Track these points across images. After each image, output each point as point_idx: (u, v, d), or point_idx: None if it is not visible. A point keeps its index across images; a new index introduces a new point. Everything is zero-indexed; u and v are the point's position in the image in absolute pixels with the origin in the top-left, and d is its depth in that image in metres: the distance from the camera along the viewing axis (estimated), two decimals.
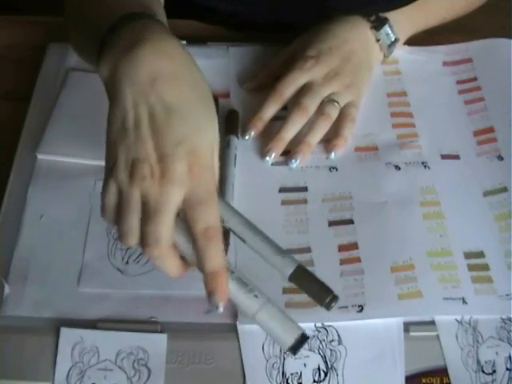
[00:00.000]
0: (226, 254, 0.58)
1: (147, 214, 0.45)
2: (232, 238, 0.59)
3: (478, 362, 0.53)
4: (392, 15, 0.70)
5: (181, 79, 0.47)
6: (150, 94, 0.46)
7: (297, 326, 0.45)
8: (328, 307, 0.48)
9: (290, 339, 0.45)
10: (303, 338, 0.45)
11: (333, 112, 0.65)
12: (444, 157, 0.65)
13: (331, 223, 0.61)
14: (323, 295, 0.48)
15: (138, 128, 0.45)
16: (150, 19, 0.50)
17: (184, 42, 0.73)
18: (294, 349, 0.45)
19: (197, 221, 0.45)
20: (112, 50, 0.48)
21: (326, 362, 0.53)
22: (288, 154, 0.64)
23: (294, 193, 0.63)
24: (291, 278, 0.48)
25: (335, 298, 0.48)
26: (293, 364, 0.53)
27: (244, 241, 0.49)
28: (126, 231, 0.46)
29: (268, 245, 0.49)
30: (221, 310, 0.46)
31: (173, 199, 0.45)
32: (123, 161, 0.45)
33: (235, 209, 0.50)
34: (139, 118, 0.45)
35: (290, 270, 0.48)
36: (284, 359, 0.53)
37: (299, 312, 0.55)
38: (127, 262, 0.58)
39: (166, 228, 0.45)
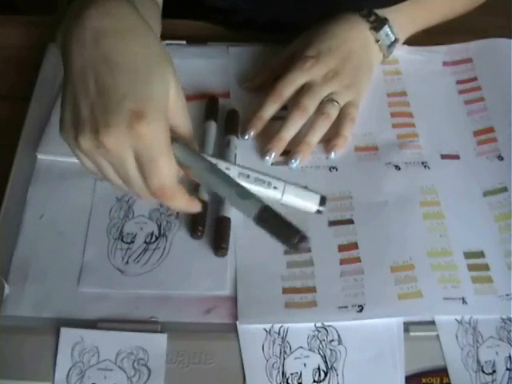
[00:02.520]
0: (226, 253, 0.58)
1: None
2: (232, 237, 0.59)
3: (478, 361, 0.53)
4: (392, 15, 0.70)
5: (126, 36, 0.47)
6: (95, 53, 0.46)
7: (314, 192, 0.50)
8: (296, 248, 0.46)
9: (314, 205, 0.50)
10: (322, 199, 0.50)
11: (332, 112, 0.65)
12: (444, 157, 0.65)
13: (331, 223, 0.61)
14: (291, 235, 0.46)
15: (86, 89, 0.45)
16: None
17: (184, 42, 0.74)
18: (320, 211, 0.50)
19: (149, 179, 0.46)
20: (64, 20, 0.48)
21: (326, 362, 0.53)
22: (288, 154, 0.64)
23: None
24: (256, 221, 0.46)
25: (304, 237, 0.46)
26: (293, 364, 0.53)
27: (209, 187, 0.50)
28: (119, 187, 0.49)
29: (232, 188, 0.47)
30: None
31: (123, 155, 0.45)
32: (71, 123, 0.46)
33: (200, 154, 0.49)
34: (86, 79, 0.45)
35: (253, 212, 0.46)
36: (284, 359, 0.53)
37: (299, 312, 0.55)
38: (127, 262, 0.58)
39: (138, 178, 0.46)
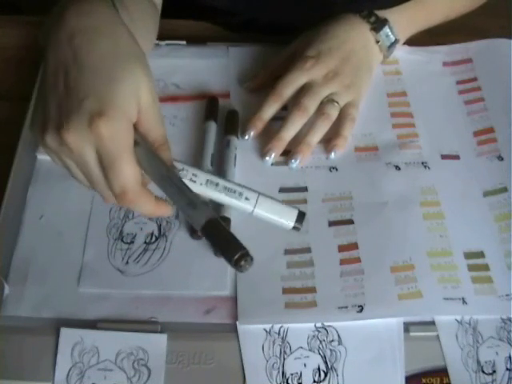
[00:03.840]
0: None
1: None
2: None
3: (478, 362, 0.53)
4: (392, 16, 0.70)
5: (98, 34, 0.47)
6: (67, 52, 0.46)
7: (291, 208, 0.48)
8: (237, 267, 0.43)
9: (290, 223, 0.48)
10: (301, 215, 0.48)
11: (333, 112, 0.65)
12: (444, 157, 0.65)
13: (331, 223, 0.61)
14: (233, 252, 0.42)
15: (56, 88, 0.45)
16: None
17: (184, 42, 0.74)
18: (297, 227, 0.48)
19: (110, 181, 0.45)
20: (46, 22, 0.50)
21: (326, 362, 0.53)
22: (288, 153, 0.64)
23: (293, 193, 0.63)
24: (201, 232, 0.44)
25: (245, 255, 0.43)
26: (293, 364, 0.53)
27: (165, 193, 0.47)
28: (88, 187, 0.48)
29: (183, 196, 0.45)
30: None
31: (85, 154, 0.44)
32: (40, 121, 0.46)
33: (162, 160, 0.47)
34: (57, 78, 0.46)
35: (200, 223, 0.44)
36: (284, 359, 0.53)
37: (299, 312, 0.55)
38: (127, 262, 0.58)
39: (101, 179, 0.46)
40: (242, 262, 0.43)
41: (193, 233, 0.59)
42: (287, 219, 0.48)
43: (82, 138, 0.44)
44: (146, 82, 0.46)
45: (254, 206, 0.47)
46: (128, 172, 0.44)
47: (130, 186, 0.45)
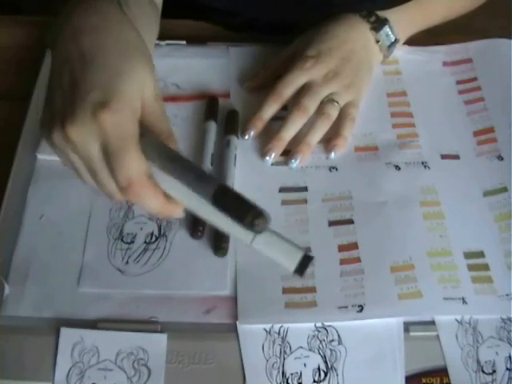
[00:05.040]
0: (226, 253, 0.58)
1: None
2: (232, 239, 0.59)
3: (478, 361, 0.53)
4: (392, 15, 0.70)
5: (102, 31, 0.47)
6: (73, 49, 0.46)
7: (297, 247, 0.43)
8: (252, 228, 0.41)
9: (292, 264, 0.42)
10: (306, 259, 0.42)
11: (332, 112, 0.65)
12: (444, 157, 0.65)
13: (331, 223, 0.61)
14: (245, 212, 0.40)
15: (61, 85, 0.46)
16: None
17: (184, 42, 0.74)
18: (300, 271, 0.43)
19: (115, 171, 0.44)
20: (54, 22, 0.50)
21: (326, 362, 0.53)
22: (288, 153, 0.64)
23: (293, 193, 0.63)
24: (212, 201, 0.42)
25: (258, 214, 0.40)
26: (293, 364, 0.53)
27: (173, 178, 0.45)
28: (93, 187, 0.48)
29: (190, 173, 0.43)
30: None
31: (88, 146, 0.44)
32: (48, 119, 0.46)
33: (170, 148, 0.46)
34: (62, 75, 0.46)
35: (210, 193, 0.42)
36: (284, 359, 0.53)
37: (299, 312, 0.55)
38: (127, 262, 0.58)
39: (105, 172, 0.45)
40: (256, 222, 0.40)
41: (193, 233, 0.59)
42: (289, 260, 0.43)
43: (85, 130, 0.44)
44: (150, 77, 0.47)
45: (252, 240, 0.43)
46: (133, 162, 0.44)
47: (136, 177, 0.44)
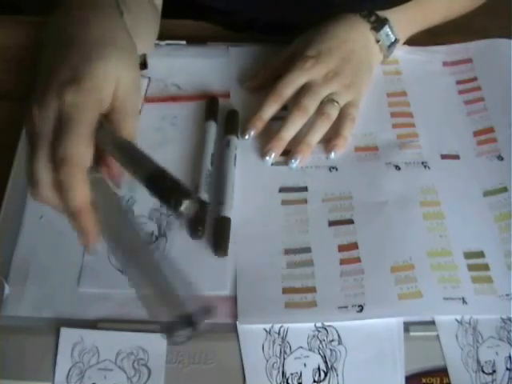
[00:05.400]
0: (226, 253, 0.58)
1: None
2: (232, 237, 0.59)
3: (478, 361, 0.53)
4: (392, 15, 0.70)
5: (94, 24, 0.49)
6: (60, 40, 0.49)
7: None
8: (175, 208, 0.40)
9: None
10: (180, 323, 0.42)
11: (332, 112, 0.65)
12: (444, 157, 0.65)
13: (331, 223, 0.61)
14: (171, 195, 0.40)
15: (47, 65, 0.48)
16: None
17: (184, 42, 0.74)
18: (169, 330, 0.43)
19: (56, 143, 0.44)
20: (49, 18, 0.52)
21: (326, 362, 0.53)
22: (288, 153, 0.64)
23: (293, 193, 0.63)
24: (147, 186, 0.42)
25: (185, 196, 0.39)
26: (293, 364, 0.53)
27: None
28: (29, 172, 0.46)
29: (131, 156, 0.44)
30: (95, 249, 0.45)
31: (45, 114, 0.45)
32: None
33: (117, 136, 0.46)
34: (48, 66, 0.48)
35: (145, 176, 0.42)
36: (284, 359, 0.53)
37: (299, 312, 0.55)
38: None
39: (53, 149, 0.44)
40: (183, 205, 0.39)
41: (193, 233, 0.59)
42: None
43: (47, 106, 0.44)
44: (127, 75, 0.47)
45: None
46: (78, 140, 0.43)
47: (74, 153, 0.43)
